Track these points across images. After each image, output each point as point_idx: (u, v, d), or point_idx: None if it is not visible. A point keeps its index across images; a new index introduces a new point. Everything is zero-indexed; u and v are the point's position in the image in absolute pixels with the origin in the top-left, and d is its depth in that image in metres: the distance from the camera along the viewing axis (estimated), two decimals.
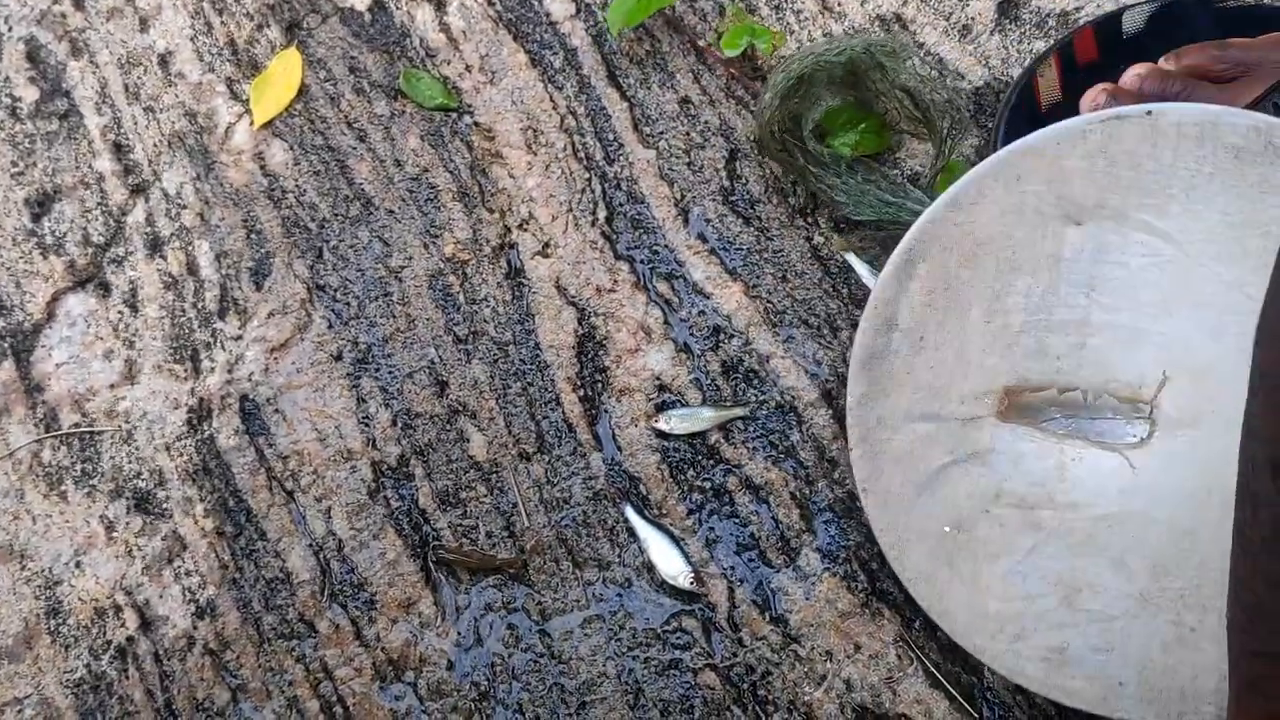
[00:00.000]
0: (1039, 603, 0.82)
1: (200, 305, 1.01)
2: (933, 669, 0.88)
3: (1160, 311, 0.80)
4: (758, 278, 0.97)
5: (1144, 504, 0.80)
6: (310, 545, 0.96)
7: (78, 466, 0.99)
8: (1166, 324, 0.80)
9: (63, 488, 0.98)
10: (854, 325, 0.94)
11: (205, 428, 0.99)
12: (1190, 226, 0.78)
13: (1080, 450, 0.82)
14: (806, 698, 0.89)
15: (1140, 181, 0.78)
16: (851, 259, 0.96)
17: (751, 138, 0.99)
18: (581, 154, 1.01)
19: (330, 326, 1.00)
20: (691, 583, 0.91)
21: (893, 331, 0.83)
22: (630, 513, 0.94)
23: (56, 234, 1.05)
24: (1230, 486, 0.78)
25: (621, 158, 1.01)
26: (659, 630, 0.92)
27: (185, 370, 1.00)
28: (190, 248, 1.03)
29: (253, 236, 1.03)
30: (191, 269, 1.03)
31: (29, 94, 1.10)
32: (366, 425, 0.98)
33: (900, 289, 0.82)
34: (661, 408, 0.95)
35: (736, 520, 0.93)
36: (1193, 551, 0.79)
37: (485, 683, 0.92)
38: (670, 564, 0.92)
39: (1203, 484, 0.79)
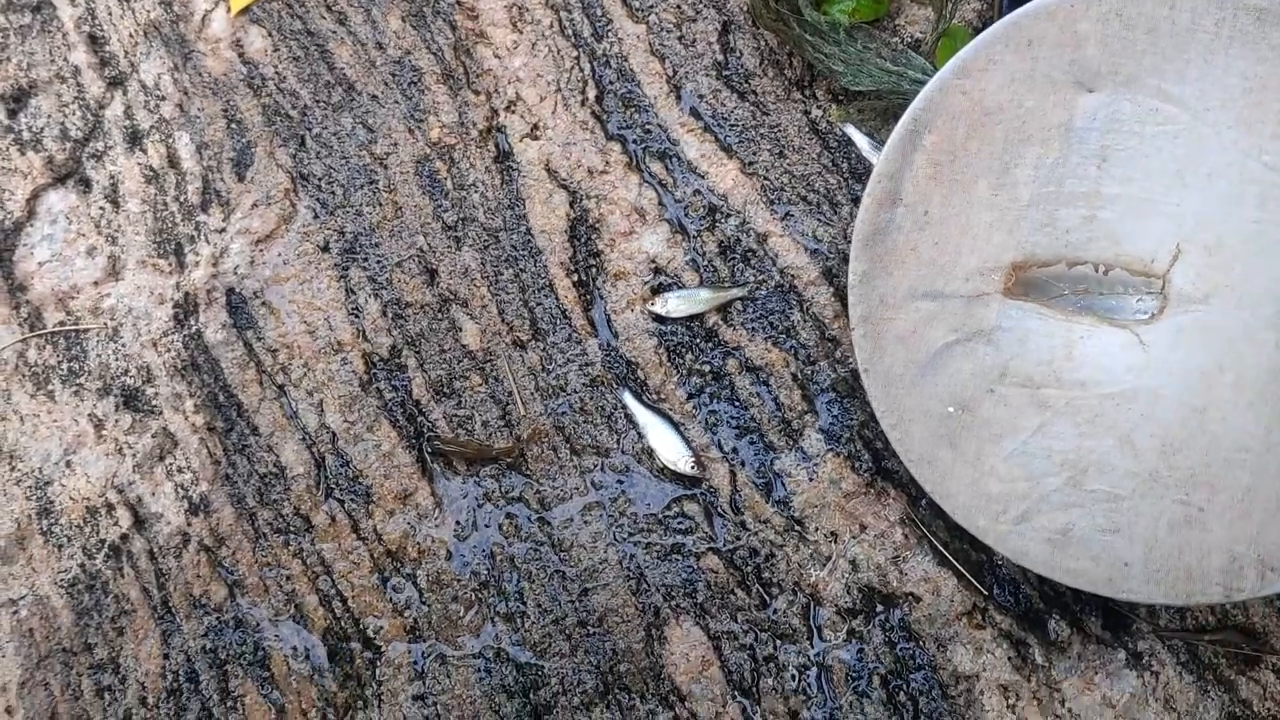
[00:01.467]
0: (1044, 483, 0.80)
1: (182, 198, 0.99)
2: (940, 547, 0.87)
3: (1174, 182, 0.76)
4: (754, 154, 0.93)
5: (1154, 381, 0.78)
6: (303, 439, 0.94)
7: (64, 365, 0.97)
8: (1180, 195, 0.76)
9: (50, 387, 0.96)
10: (855, 200, 0.91)
11: (192, 322, 0.96)
12: (1207, 93, 0.75)
13: (1089, 327, 0.79)
14: (812, 579, 0.88)
15: (1157, 45, 0.75)
16: (851, 131, 0.92)
17: (745, 7, 0.96)
18: (569, 31, 0.98)
19: (316, 216, 0.97)
20: (692, 467, 0.89)
21: (896, 207, 0.80)
22: (628, 398, 0.92)
23: (34, 129, 1.02)
24: (1244, 363, 0.76)
25: (610, 34, 0.97)
26: (660, 516, 0.90)
27: (169, 265, 0.98)
28: (170, 140, 1.00)
29: (233, 126, 1.00)
30: (172, 161, 1.00)
31: None
32: (356, 316, 0.95)
33: (904, 162, 0.79)
34: (658, 290, 0.93)
35: (737, 403, 0.90)
36: (1202, 430, 0.77)
37: (485, 572, 0.90)
38: (670, 449, 0.90)
39: (1214, 361, 0.76)
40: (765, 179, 0.93)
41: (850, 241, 0.82)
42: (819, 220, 0.92)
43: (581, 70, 0.96)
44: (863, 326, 0.82)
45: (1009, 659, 0.85)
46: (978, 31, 0.84)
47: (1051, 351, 0.80)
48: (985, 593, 0.85)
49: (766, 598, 0.88)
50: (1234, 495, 0.75)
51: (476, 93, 0.97)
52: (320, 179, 0.97)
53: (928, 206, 0.80)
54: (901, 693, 0.85)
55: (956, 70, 0.78)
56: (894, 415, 0.82)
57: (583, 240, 0.94)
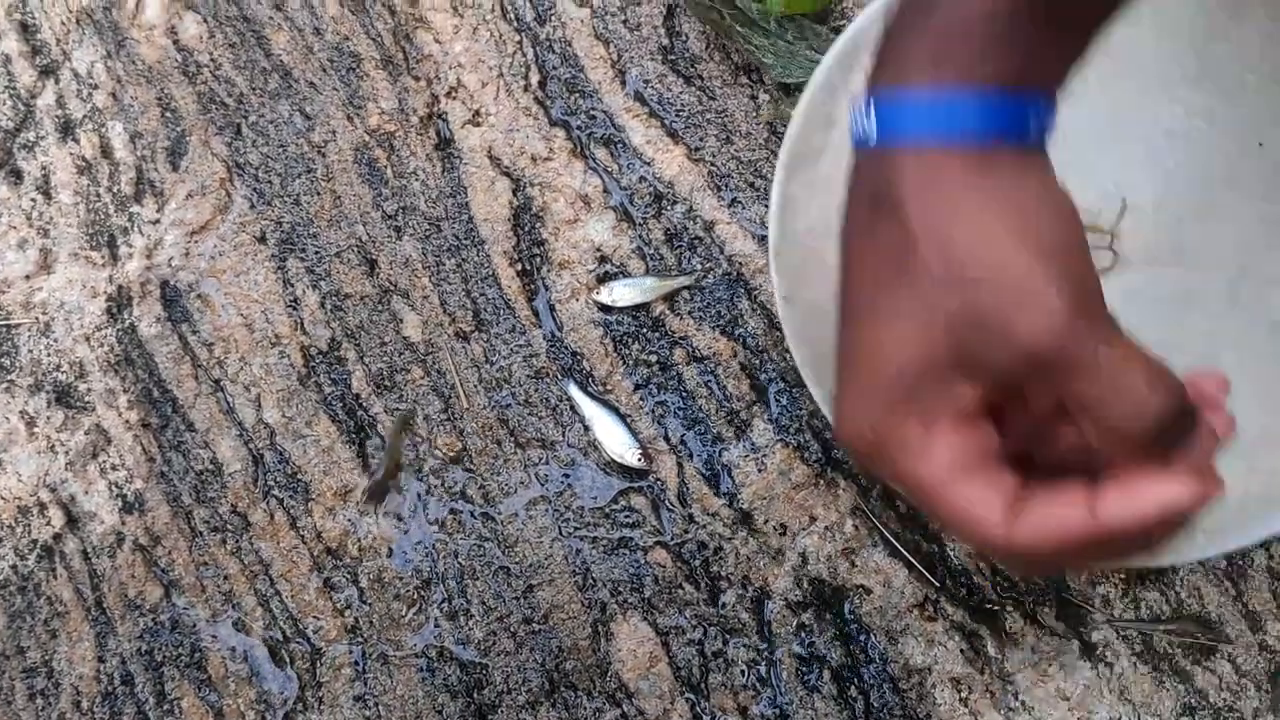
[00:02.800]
0: None
1: (116, 189, 0.96)
2: (892, 539, 0.85)
3: (1119, 138, 0.73)
4: (700, 140, 0.91)
5: None
6: (240, 435, 0.91)
7: None
8: (1126, 153, 0.73)
9: None
10: None
11: (126, 316, 0.94)
12: (1155, 46, 0.71)
13: None
14: (761, 572, 0.86)
15: None
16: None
17: None
18: (511, 15, 0.96)
19: (252, 206, 0.95)
20: (639, 460, 0.87)
21: (831, 129, 0.73)
22: (573, 390, 0.90)
23: None
24: (1190, 330, 0.72)
25: (554, 18, 0.95)
26: (607, 509, 0.88)
27: (103, 257, 0.95)
28: (103, 129, 0.98)
29: (168, 115, 0.97)
30: (105, 151, 0.97)
31: None
32: (294, 308, 0.93)
33: (842, 81, 0.72)
34: (603, 279, 0.91)
35: (684, 394, 0.88)
36: None
37: (428, 570, 0.88)
38: (616, 441, 0.88)
39: (1162, 321, 0.74)
40: (712, 165, 0.91)
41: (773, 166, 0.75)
42: (766, 206, 0.90)
43: (524, 55, 0.94)
44: (787, 255, 0.74)
45: (961, 651, 0.83)
46: None
47: None
48: (937, 584, 0.84)
49: (716, 591, 0.86)
50: None
51: (416, 79, 0.95)
52: (257, 168, 0.95)
53: None
54: (852, 687, 0.84)
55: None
56: (811, 348, 0.75)
57: (526, 229, 0.92)
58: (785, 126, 0.88)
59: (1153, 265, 0.74)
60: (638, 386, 0.89)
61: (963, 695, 0.83)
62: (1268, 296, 0.69)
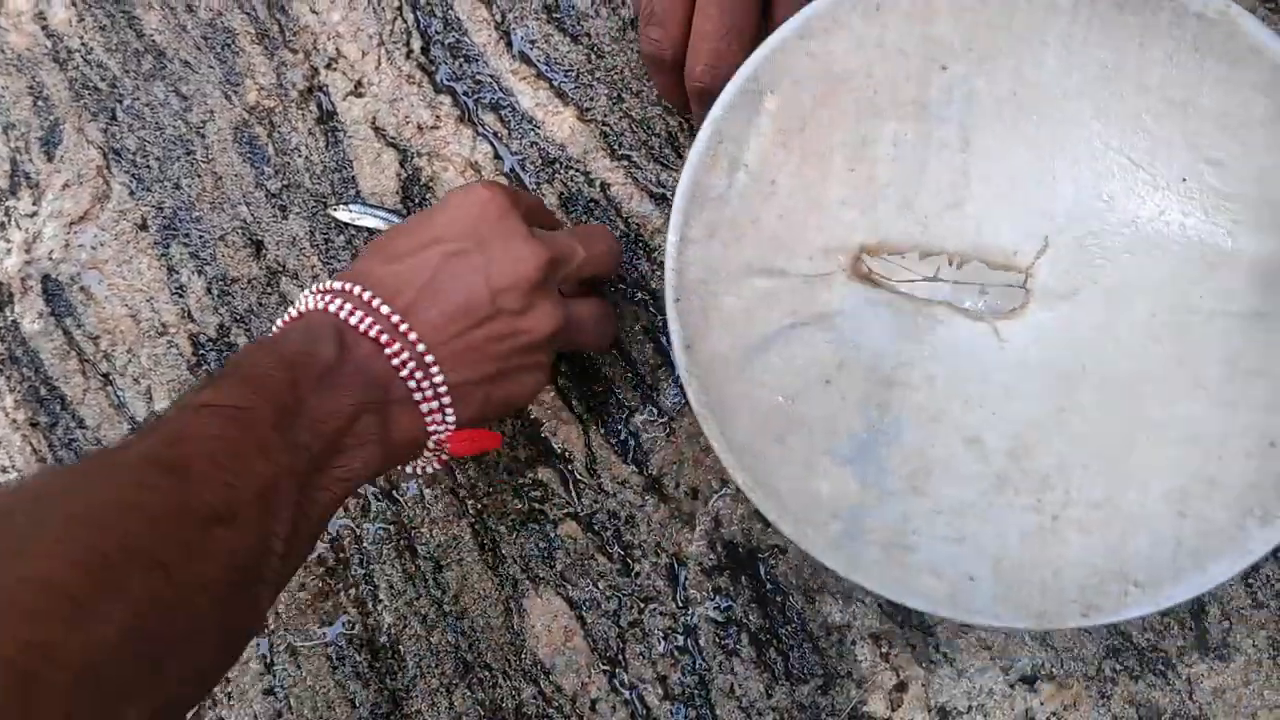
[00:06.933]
0: (882, 485, 0.71)
1: None
2: None
3: (1039, 172, 0.70)
4: (591, 100, 0.89)
5: (1008, 378, 0.70)
6: (133, 429, 0.88)
7: None
8: (1045, 185, 0.70)
9: None
10: None
11: (7, 314, 0.91)
12: (1065, 81, 0.69)
13: (942, 319, 0.72)
14: (674, 539, 0.84)
15: (1013, 25, 0.68)
16: None
17: None
18: None
19: (131, 194, 0.91)
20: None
21: (736, 172, 0.72)
22: None
23: None
24: (1108, 364, 0.69)
25: None
26: (514, 484, 0.86)
27: None
28: None
29: (40, 104, 0.94)
30: None
31: None
32: (180, 295, 0.90)
33: (748, 124, 0.71)
34: None
35: (587, 360, 0.86)
36: (1059, 432, 0.70)
37: (333, 558, 0.86)
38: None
39: (1076, 361, 0.70)
40: (604, 125, 0.88)
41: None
42: (661, 165, 0.88)
43: (404, 21, 0.91)
44: (686, 300, 0.72)
45: (880, 606, 0.81)
46: None
47: (898, 342, 0.72)
48: None
49: (629, 560, 0.84)
50: (1092, 502, 0.68)
51: (294, 51, 0.91)
52: (134, 153, 0.92)
53: (775, 176, 0.72)
54: (771, 649, 0.82)
55: (799, 30, 0.70)
56: (715, 403, 0.72)
57: (417, 200, 0.89)
58: None
59: (1071, 300, 0.70)
60: None
61: (883, 651, 0.81)
62: (1190, 329, 0.67)
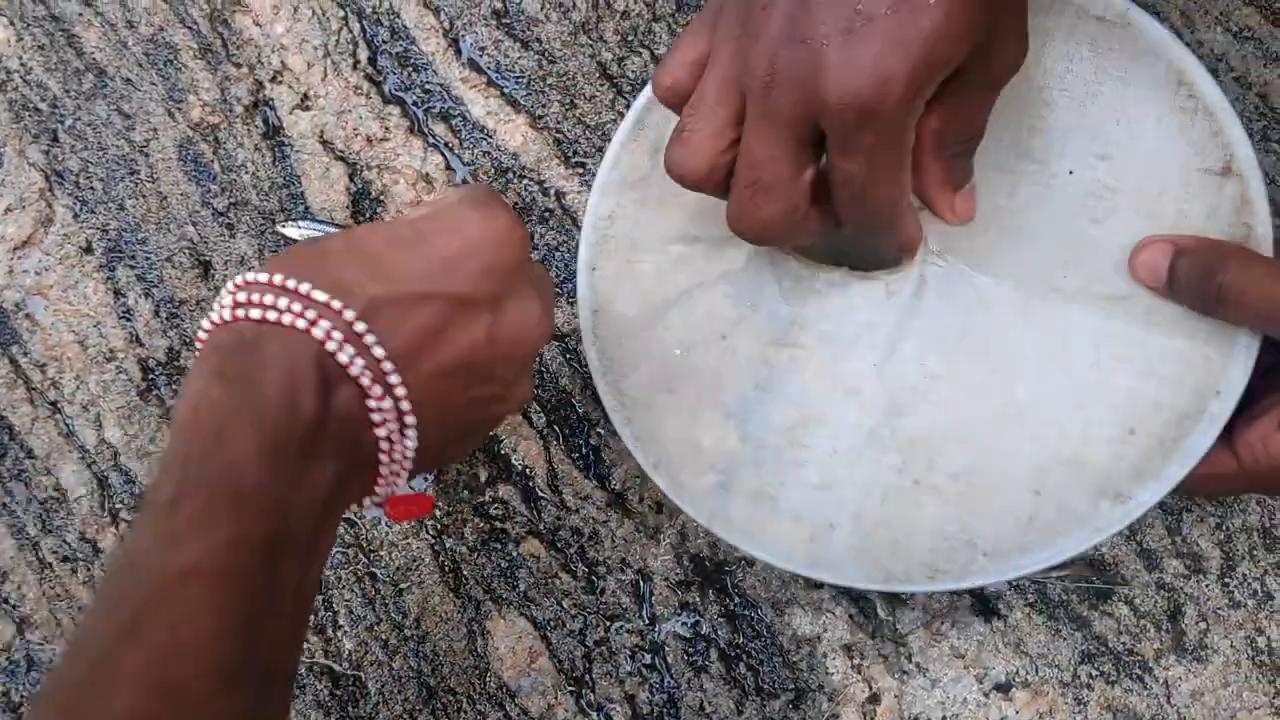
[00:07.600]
0: (762, 439, 0.73)
1: None
2: None
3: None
4: (543, 107, 0.87)
5: (895, 333, 0.71)
6: (83, 458, 0.86)
7: None
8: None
9: None
10: None
11: None
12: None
13: (840, 277, 0.71)
14: (640, 554, 0.82)
15: None
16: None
17: None
18: None
19: (76, 216, 0.89)
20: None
21: (658, 154, 0.72)
22: None
23: None
24: (980, 334, 0.69)
25: None
26: (474, 503, 0.84)
27: None
28: None
29: None
30: None
31: None
32: (128, 319, 0.88)
33: (669, 116, 0.72)
34: None
35: (547, 374, 0.84)
36: (931, 398, 0.70)
37: None
38: None
39: (958, 325, 0.69)
40: (557, 132, 0.86)
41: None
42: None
43: (350, 31, 0.89)
44: (603, 268, 0.75)
45: (850, 617, 0.80)
46: None
47: (795, 300, 0.72)
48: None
49: (594, 577, 0.82)
50: (952, 472, 0.69)
51: (238, 65, 0.89)
52: (77, 174, 0.89)
53: None
54: (741, 664, 0.80)
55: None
56: (614, 360, 0.75)
57: (367, 214, 0.87)
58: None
59: (945, 258, 0.70)
60: None
61: (855, 662, 0.79)
62: (1055, 312, 0.67)
